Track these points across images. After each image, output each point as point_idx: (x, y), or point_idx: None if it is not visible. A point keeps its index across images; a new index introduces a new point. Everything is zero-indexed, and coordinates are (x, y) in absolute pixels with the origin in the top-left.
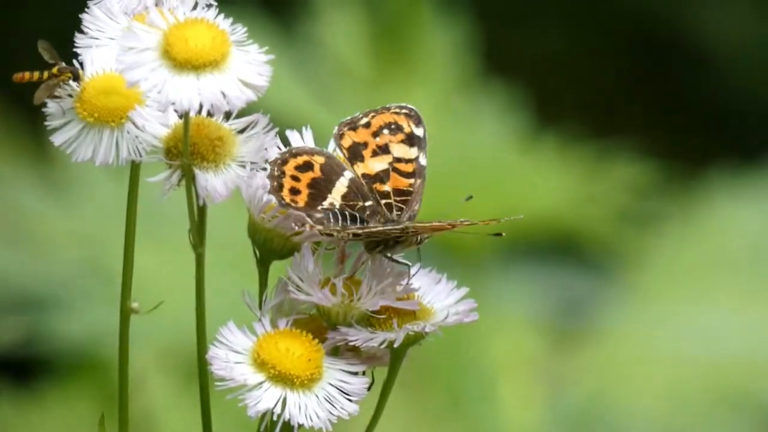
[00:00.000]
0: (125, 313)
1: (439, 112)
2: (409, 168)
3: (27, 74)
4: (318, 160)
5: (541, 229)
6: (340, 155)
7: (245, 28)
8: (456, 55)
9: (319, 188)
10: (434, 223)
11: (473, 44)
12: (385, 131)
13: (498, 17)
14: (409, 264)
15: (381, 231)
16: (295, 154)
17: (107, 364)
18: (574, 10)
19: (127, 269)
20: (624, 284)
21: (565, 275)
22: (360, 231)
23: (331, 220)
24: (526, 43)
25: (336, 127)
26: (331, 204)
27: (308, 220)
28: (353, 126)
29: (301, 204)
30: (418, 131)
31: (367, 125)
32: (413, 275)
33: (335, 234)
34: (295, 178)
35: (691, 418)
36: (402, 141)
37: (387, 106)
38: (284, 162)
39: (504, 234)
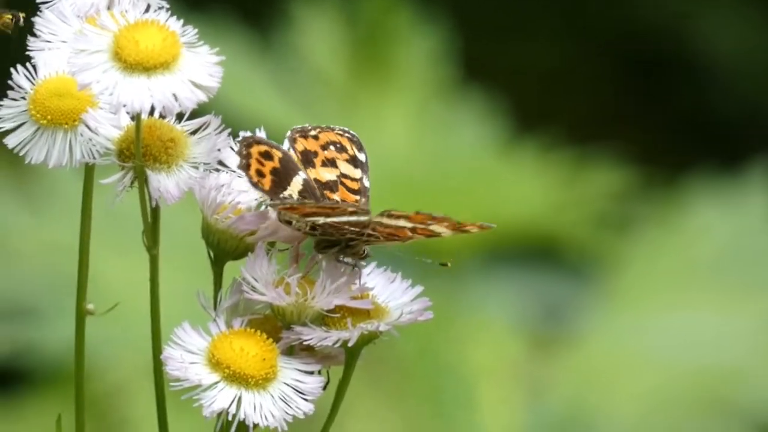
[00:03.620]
0: (81, 315)
1: (417, 119)
2: (355, 186)
3: None
4: (277, 153)
5: (520, 234)
6: (294, 156)
7: (196, 30)
8: (434, 63)
9: (280, 178)
10: (400, 221)
11: (452, 52)
12: (332, 147)
13: (478, 26)
14: (364, 263)
15: (343, 222)
16: (258, 142)
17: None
18: (553, 18)
19: (82, 271)
20: (603, 289)
21: (544, 280)
22: (322, 221)
23: None
24: (506, 51)
25: (289, 131)
26: (290, 196)
27: (274, 200)
28: (304, 134)
29: (267, 187)
30: (361, 156)
31: (316, 137)
32: (368, 274)
33: (294, 222)
34: (260, 162)
35: (669, 424)
36: (347, 160)
37: (331, 126)
38: (249, 145)
39: (449, 264)
